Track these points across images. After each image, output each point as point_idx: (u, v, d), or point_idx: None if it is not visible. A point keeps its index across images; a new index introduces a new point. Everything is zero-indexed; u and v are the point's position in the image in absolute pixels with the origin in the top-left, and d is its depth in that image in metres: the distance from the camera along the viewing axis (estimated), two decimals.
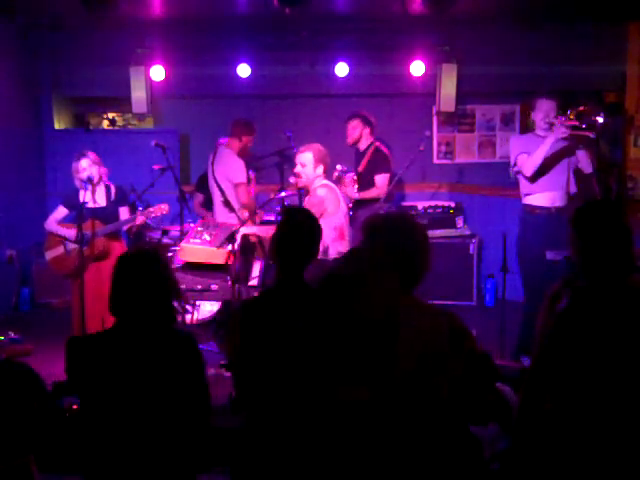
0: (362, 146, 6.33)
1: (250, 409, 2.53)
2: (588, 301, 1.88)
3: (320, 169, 4.74)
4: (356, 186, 6.11)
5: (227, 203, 5.77)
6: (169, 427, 2.43)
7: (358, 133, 6.29)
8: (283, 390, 2.40)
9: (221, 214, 5.94)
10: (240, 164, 6.00)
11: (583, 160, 5.09)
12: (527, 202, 5.18)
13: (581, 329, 1.83)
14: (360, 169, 6.26)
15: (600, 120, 4.92)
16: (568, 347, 1.83)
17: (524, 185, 5.19)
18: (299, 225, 2.80)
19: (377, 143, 6.33)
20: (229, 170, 5.97)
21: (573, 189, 5.17)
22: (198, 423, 2.51)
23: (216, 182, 6.00)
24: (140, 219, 5.29)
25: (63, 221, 5.35)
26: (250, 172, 6.39)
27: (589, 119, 4.95)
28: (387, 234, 2.25)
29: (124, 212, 5.34)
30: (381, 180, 6.14)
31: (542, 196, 5.12)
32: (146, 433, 2.40)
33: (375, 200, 6.01)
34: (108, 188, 5.31)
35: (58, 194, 6.10)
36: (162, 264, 2.55)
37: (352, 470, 1.62)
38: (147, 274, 2.49)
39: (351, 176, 6.07)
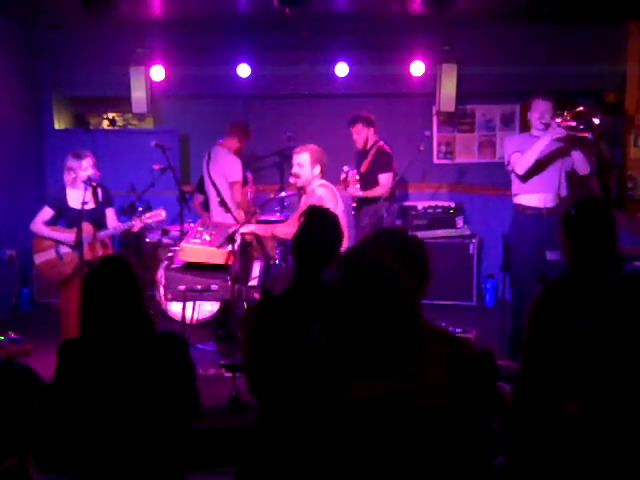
0: (366, 146, 6.38)
1: (265, 410, 2.50)
2: (620, 291, 1.82)
3: (317, 169, 4.76)
4: (358, 185, 6.13)
5: (223, 203, 5.77)
6: (155, 430, 2.41)
7: (364, 136, 6.37)
8: (299, 389, 2.38)
9: (217, 214, 5.94)
10: (237, 163, 6.02)
11: (578, 161, 5.08)
12: (518, 202, 5.22)
13: (615, 321, 1.78)
14: (363, 169, 6.29)
15: (597, 121, 4.93)
16: (601, 342, 1.77)
17: (516, 184, 5.21)
18: (318, 225, 2.79)
19: (380, 143, 6.38)
20: (226, 168, 5.98)
21: (564, 192, 5.18)
22: (187, 423, 2.50)
23: (212, 182, 6.01)
24: (137, 225, 5.26)
25: (49, 222, 5.28)
26: (247, 173, 6.39)
27: (586, 120, 4.96)
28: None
29: (110, 213, 5.29)
30: (385, 179, 6.19)
31: (533, 197, 5.14)
32: (131, 438, 2.39)
33: (377, 199, 6.03)
34: (95, 190, 5.28)
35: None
36: (131, 271, 2.52)
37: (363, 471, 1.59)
38: (118, 283, 2.45)
39: (353, 174, 6.10)
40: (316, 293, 2.57)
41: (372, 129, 6.37)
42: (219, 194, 5.88)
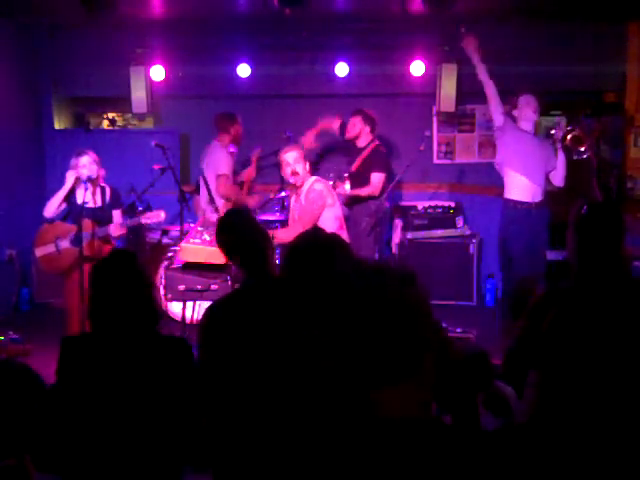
0: (361, 143, 6.31)
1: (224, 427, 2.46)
2: (590, 296, 1.85)
3: (307, 166, 4.99)
4: (347, 184, 6.08)
5: (212, 200, 5.79)
6: (157, 431, 2.39)
7: (358, 130, 6.28)
8: (280, 403, 2.34)
9: (207, 212, 5.97)
10: (225, 156, 6.11)
11: (556, 173, 5.45)
12: (509, 197, 5.46)
13: (583, 324, 1.80)
14: (355, 166, 6.23)
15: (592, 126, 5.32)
16: (570, 345, 1.79)
17: (508, 181, 5.49)
18: (245, 223, 2.82)
19: (377, 142, 6.33)
20: (214, 161, 6.06)
21: (544, 188, 5.53)
22: (190, 426, 2.47)
23: (204, 178, 6.04)
24: (134, 221, 5.30)
25: (60, 215, 5.30)
26: (256, 148, 6.52)
27: (584, 141, 5.33)
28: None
29: (117, 215, 5.31)
30: (377, 178, 6.09)
31: (525, 192, 5.40)
32: (128, 441, 2.37)
33: (372, 198, 6.00)
34: (103, 189, 5.30)
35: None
36: (138, 266, 2.52)
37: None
38: (125, 277, 2.45)
39: (342, 183, 6.07)
40: (270, 287, 2.58)
41: (369, 127, 6.30)
42: (209, 192, 5.89)
